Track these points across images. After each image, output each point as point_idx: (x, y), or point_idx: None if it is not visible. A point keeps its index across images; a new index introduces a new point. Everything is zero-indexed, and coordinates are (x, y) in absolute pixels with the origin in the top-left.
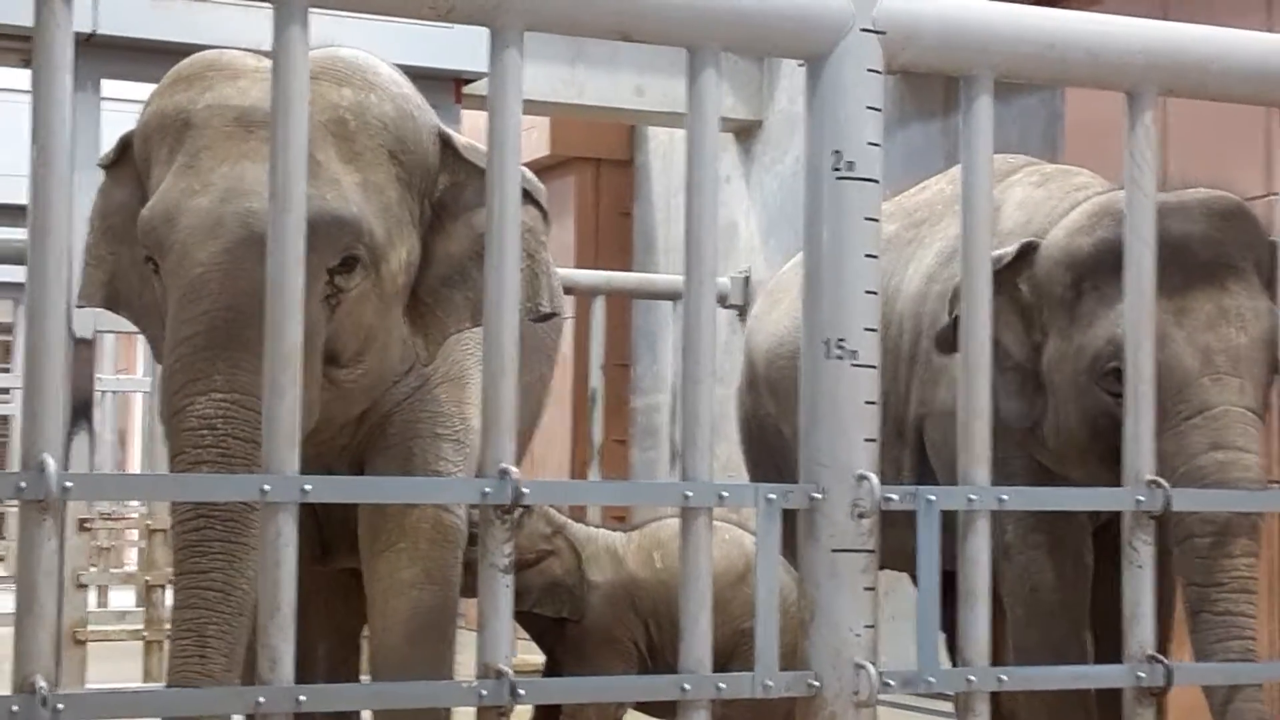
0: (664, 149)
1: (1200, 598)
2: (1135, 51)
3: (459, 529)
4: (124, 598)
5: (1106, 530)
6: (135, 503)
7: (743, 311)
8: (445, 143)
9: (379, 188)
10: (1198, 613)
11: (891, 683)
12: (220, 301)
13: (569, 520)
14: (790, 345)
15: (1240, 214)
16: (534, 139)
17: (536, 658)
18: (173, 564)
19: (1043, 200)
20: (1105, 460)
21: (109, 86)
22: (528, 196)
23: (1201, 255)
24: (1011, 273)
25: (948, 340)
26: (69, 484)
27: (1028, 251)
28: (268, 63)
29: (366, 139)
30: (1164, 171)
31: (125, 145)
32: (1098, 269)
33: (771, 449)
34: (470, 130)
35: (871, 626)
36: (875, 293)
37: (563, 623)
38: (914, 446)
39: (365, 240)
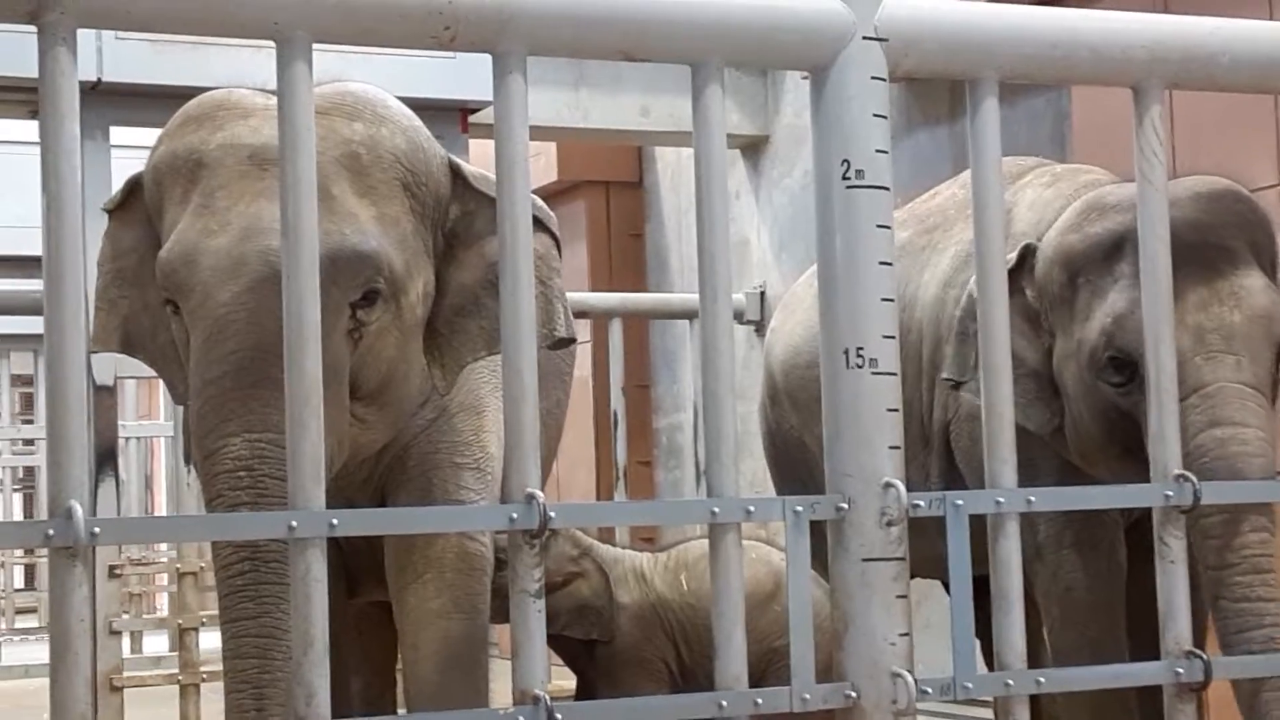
0: (672, 169)
1: (1216, 582)
2: (1138, 46)
3: (485, 556)
4: (157, 643)
5: (1137, 527)
6: (164, 547)
7: (759, 327)
8: (455, 173)
9: (394, 220)
10: (1216, 599)
11: (929, 690)
12: (246, 341)
13: (595, 542)
14: (806, 355)
15: (1230, 196)
16: (542, 165)
17: (570, 683)
18: (219, 608)
19: (1052, 199)
20: (1124, 454)
21: (117, 134)
22: (539, 224)
23: (1189, 238)
24: (1015, 277)
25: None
26: (97, 529)
27: (1027, 255)
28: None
29: (380, 172)
30: (1172, 165)
31: (132, 188)
32: (1088, 263)
33: (796, 461)
34: (478, 159)
35: (906, 635)
36: (892, 300)
37: (593, 645)
38: (940, 452)
39: (385, 274)
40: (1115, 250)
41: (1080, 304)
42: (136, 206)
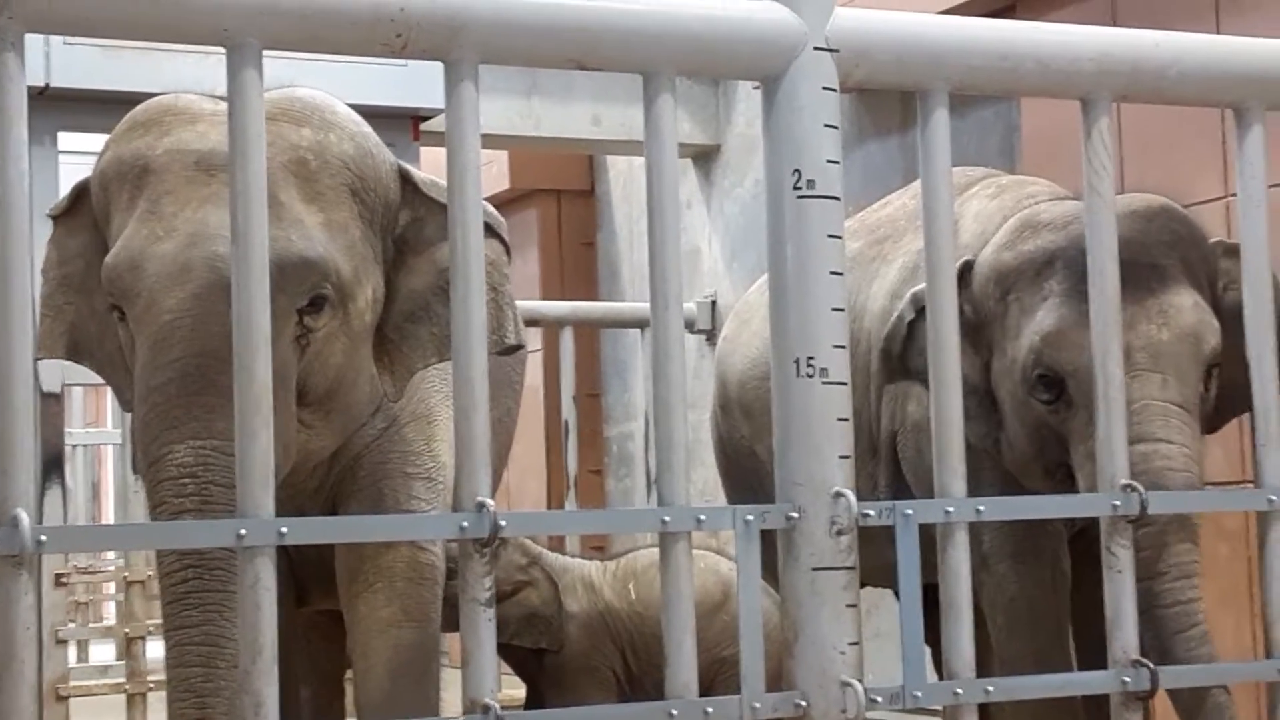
0: (624, 178)
1: (1146, 592)
2: (1087, 59)
3: (435, 566)
4: (104, 652)
5: (1082, 537)
6: (111, 555)
7: (710, 336)
8: (405, 179)
9: (342, 226)
10: (1148, 609)
11: (878, 699)
12: (191, 348)
13: (544, 550)
14: (764, 366)
15: (1163, 214)
16: (494, 173)
17: (519, 692)
18: (162, 617)
19: (996, 212)
20: (1053, 469)
21: (65, 139)
22: (489, 230)
23: (1120, 256)
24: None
25: (899, 363)
26: (43, 538)
27: (964, 271)
28: (224, 105)
29: (328, 178)
30: (1120, 177)
31: (79, 194)
32: (1019, 280)
33: (746, 471)
34: (430, 167)
35: (856, 644)
36: (842, 310)
37: (541, 653)
38: (888, 462)
39: (332, 280)
40: (1045, 268)
41: (1011, 321)
42: (83, 212)
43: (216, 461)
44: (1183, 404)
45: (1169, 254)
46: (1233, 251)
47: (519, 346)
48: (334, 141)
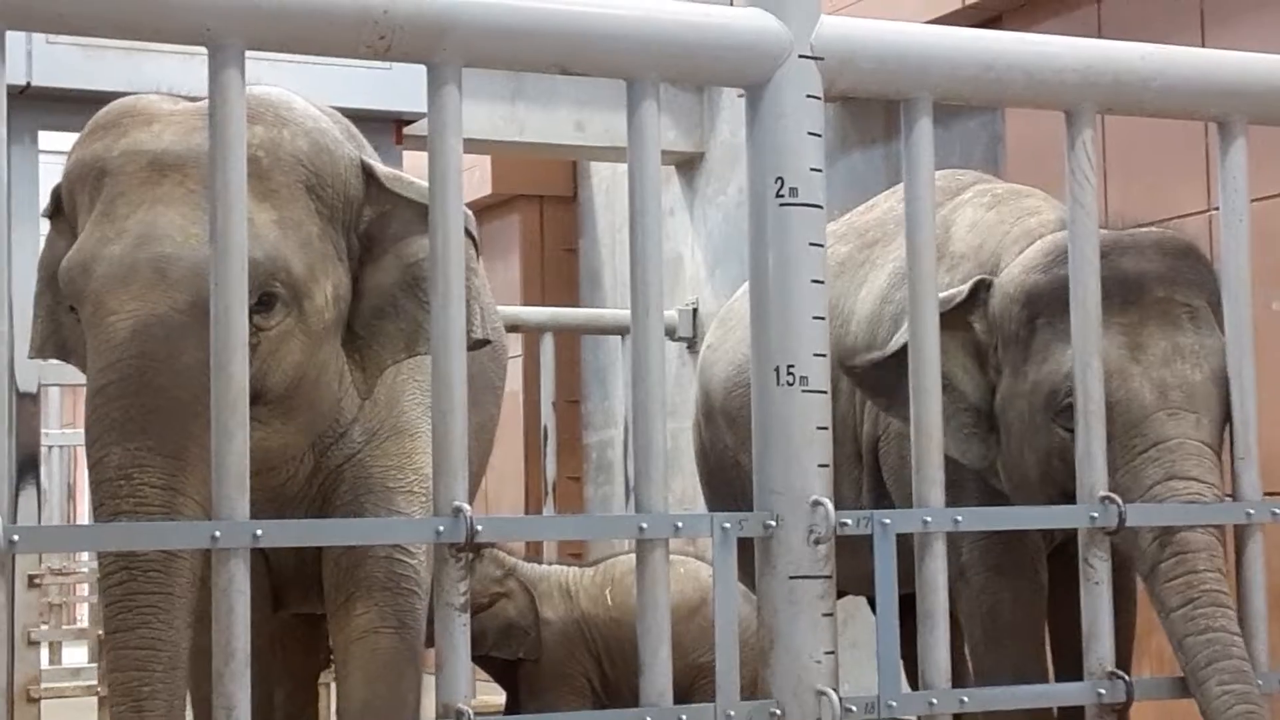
0: (607, 184)
1: (1182, 619)
2: (1071, 70)
3: (414, 577)
4: (77, 654)
5: (1063, 552)
6: (85, 557)
7: (691, 344)
8: (368, 175)
9: (296, 224)
10: (1183, 637)
11: (853, 708)
12: (130, 349)
13: (519, 561)
14: (749, 374)
15: (1193, 254)
16: (476, 178)
17: (497, 698)
18: (103, 621)
19: (995, 224)
20: (1059, 498)
21: (46, 138)
22: None
23: (1157, 292)
24: (964, 311)
25: (876, 376)
26: (16, 537)
27: (979, 289)
28: (183, 105)
29: (281, 175)
30: (1104, 189)
31: (58, 195)
32: (1053, 305)
33: (729, 480)
34: (412, 171)
35: (831, 653)
36: (823, 318)
37: (518, 661)
38: (871, 469)
39: (281, 278)
40: None
41: (1038, 344)
42: (61, 215)
43: (150, 462)
44: (1212, 446)
45: (1199, 294)
46: None
47: (486, 342)
48: (287, 139)
